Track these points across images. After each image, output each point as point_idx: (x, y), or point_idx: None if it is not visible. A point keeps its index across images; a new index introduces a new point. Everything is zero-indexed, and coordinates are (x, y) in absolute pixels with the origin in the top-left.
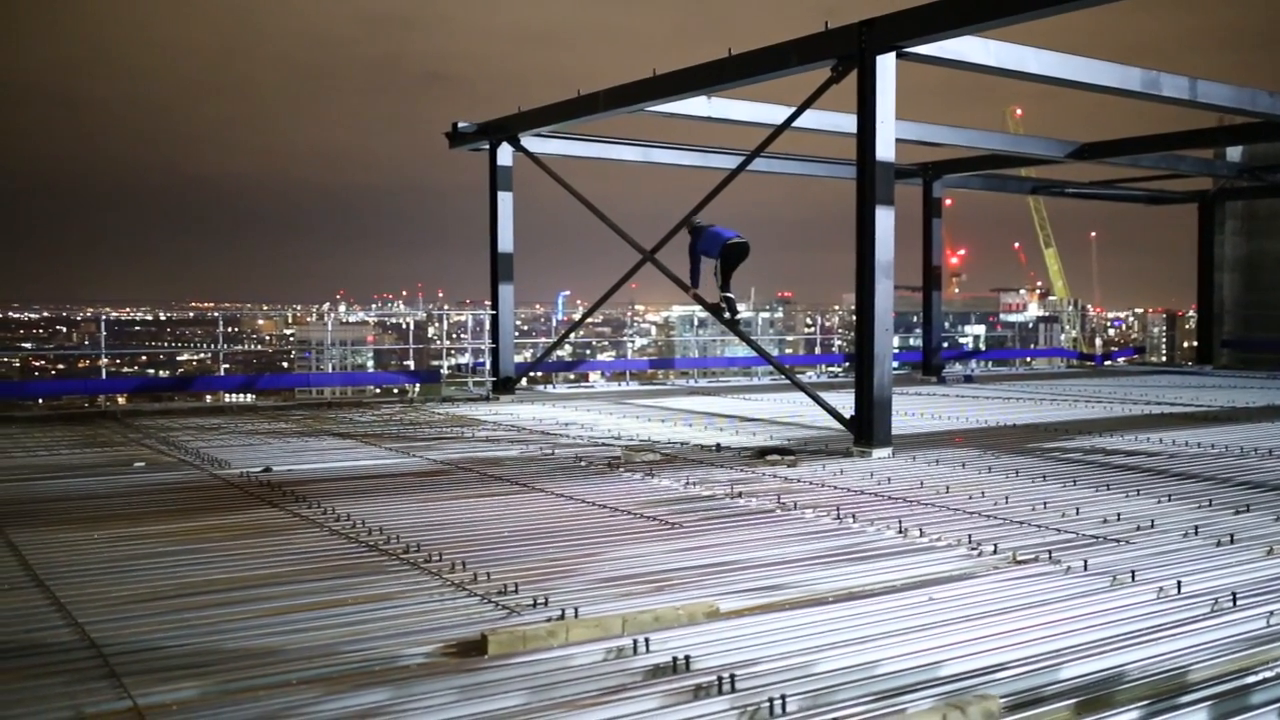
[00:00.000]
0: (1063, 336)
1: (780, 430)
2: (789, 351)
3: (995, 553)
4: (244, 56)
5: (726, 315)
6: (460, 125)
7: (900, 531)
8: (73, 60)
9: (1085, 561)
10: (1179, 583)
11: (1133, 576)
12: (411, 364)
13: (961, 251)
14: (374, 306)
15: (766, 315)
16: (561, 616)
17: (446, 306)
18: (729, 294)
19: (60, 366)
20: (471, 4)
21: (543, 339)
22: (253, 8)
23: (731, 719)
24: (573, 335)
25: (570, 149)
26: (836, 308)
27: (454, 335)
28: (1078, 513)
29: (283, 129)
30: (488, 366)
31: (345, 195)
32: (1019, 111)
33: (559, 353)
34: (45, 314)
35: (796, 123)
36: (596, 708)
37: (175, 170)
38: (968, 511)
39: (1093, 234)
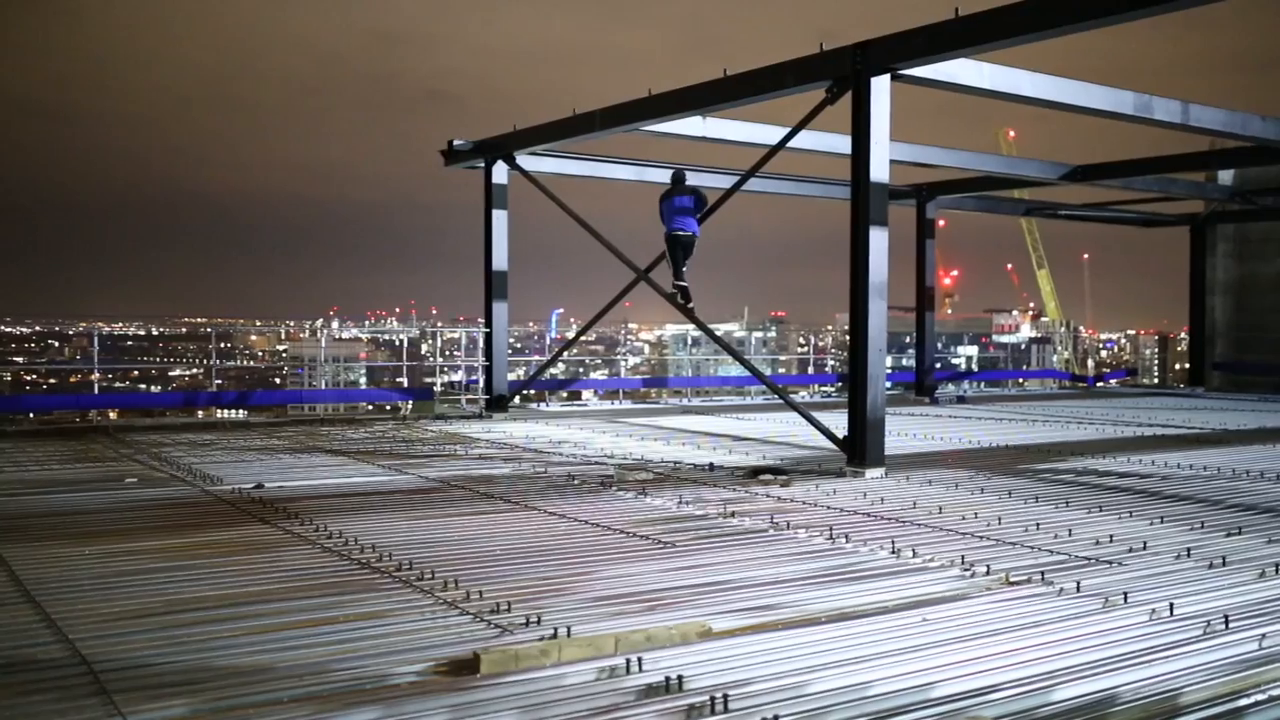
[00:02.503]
0: (1055, 358)
1: (773, 450)
2: (782, 371)
3: (988, 574)
4: (241, 73)
5: (680, 300)
6: (456, 143)
7: (893, 552)
8: (69, 75)
9: (1078, 583)
10: (1171, 605)
11: (1125, 598)
12: (405, 381)
13: (954, 272)
14: (367, 323)
15: (760, 334)
16: (554, 635)
17: (440, 324)
18: (682, 283)
19: (52, 381)
20: (470, 22)
21: (536, 357)
22: (251, 25)
23: None
24: (566, 353)
25: (565, 167)
26: (830, 328)
27: (447, 352)
28: (1070, 534)
29: (278, 145)
30: (481, 384)
31: (340, 212)
32: (1012, 133)
33: (552, 371)
34: (38, 328)
35: (791, 143)
36: None
37: (170, 186)
38: (961, 532)
39: (1085, 255)
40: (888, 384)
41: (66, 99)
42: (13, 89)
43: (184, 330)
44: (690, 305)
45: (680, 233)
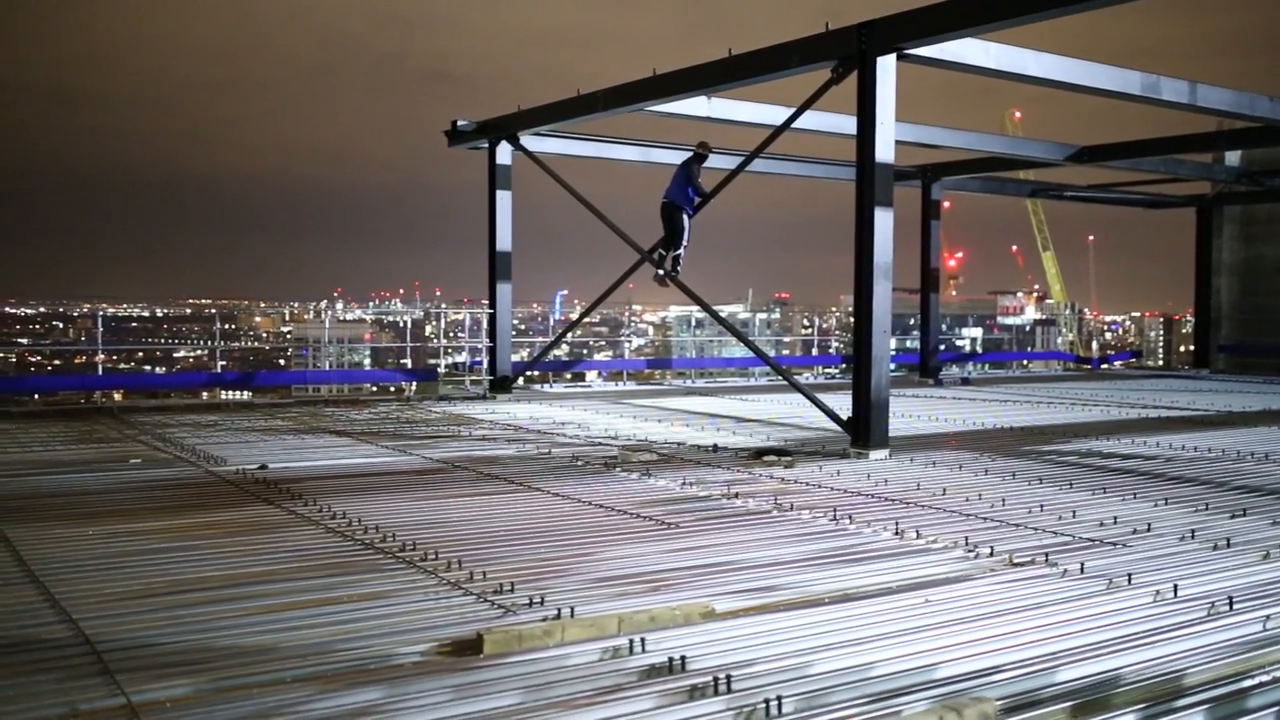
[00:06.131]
0: (1060, 340)
1: (777, 431)
2: (786, 353)
3: (992, 555)
4: (246, 54)
5: (654, 262)
6: (460, 123)
7: (897, 533)
8: (72, 57)
9: (1082, 564)
10: (1175, 586)
11: (1129, 580)
12: (409, 362)
13: (959, 254)
14: (371, 304)
15: (764, 316)
16: (557, 616)
17: (444, 305)
18: (663, 252)
19: (57, 362)
20: (475, 3)
21: (540, 338)
22: (256, 5)
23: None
24: (570, 335)
25: (570, 148)
26: (834, 309)
27: (451, 334)
28: (1074, 515)
29: (283, 127)
30: (485, 365)
31: (345, 193)
32: (1018, 114)
33: (556, 352)
34: (42, 309)
35: (796, 124)
36: (592, 708)
37: (174, 167)
38: (964, 514)
39: (1090, 237)
40: (892, 366)
41: (71, 80)
42: (20, 70)
43: (189, 311)
44: (662, 272)
45: (664, 201)
